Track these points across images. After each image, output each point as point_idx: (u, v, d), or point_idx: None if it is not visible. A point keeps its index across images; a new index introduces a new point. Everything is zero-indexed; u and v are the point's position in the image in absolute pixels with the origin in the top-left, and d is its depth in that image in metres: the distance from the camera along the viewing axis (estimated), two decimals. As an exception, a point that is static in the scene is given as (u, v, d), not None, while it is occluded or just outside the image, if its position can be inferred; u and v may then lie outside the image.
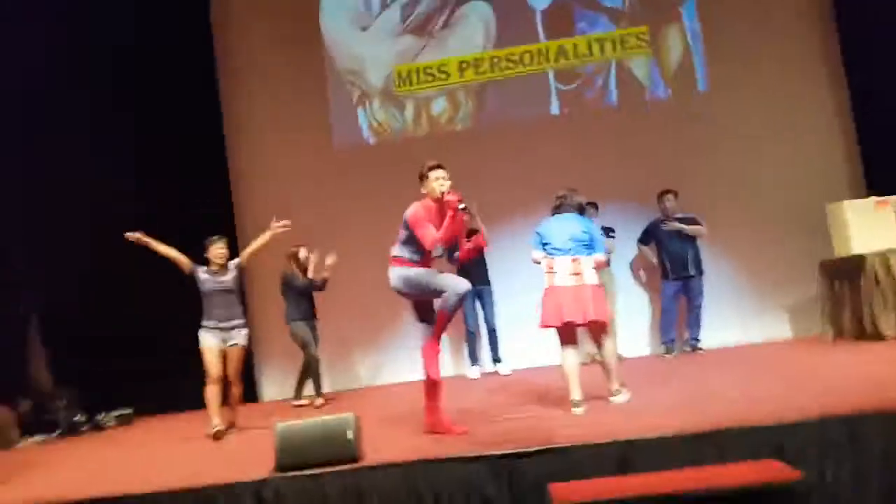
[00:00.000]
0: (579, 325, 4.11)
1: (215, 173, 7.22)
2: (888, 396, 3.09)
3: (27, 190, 6.91)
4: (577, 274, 4.07)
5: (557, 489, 2.39)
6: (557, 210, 4.32)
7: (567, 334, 4.17)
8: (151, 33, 7.03)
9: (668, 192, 6.48)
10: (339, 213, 7.06)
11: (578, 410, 4.01)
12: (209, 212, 6.76)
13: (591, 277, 4.10)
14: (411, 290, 3.91)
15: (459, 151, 6.57)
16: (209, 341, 4.93)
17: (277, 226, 5.10)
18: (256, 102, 7.43)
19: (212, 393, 4.93)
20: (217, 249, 5.05)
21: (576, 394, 4.05)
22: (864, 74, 6.66)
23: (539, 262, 4.23)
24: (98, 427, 6.54)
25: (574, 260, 4.09)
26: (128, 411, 6.71)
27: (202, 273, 5.00)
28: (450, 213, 3.77)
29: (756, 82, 6.92)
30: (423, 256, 3.88)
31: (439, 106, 7.38)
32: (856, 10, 6.70)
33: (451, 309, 3.80)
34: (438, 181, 3.88)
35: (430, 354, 3.91)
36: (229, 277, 5.04)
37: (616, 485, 2.35)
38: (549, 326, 4.13)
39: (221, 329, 4.96)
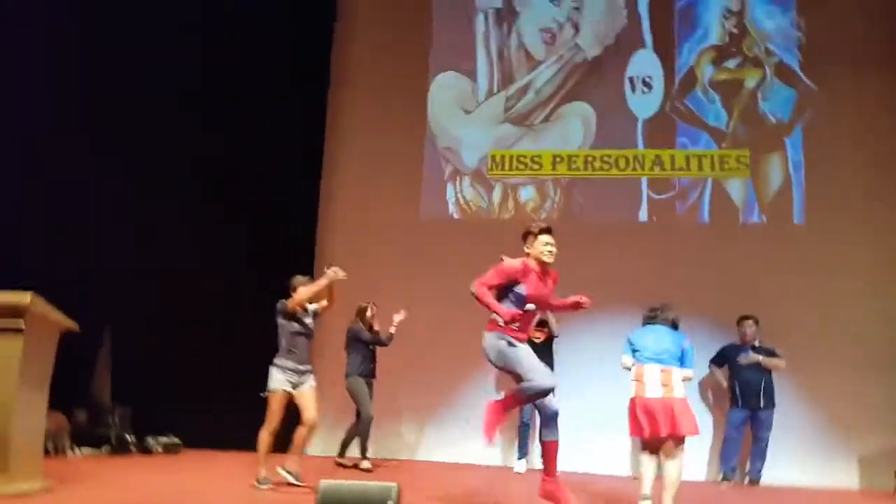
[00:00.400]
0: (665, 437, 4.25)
1: (304, 219, 7.73)
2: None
3: (121, 220, 7.54)
4: (665, 385, 4.23)
5: None
6: (651, 320, 4.53)
7: (652, 444, 4.34)
8: (273, 85, 7.75)
9: (748, 317, 6.48)
10: (413, 278, 7.36)
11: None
12: (290, 256, 7.19)
13: (679, 390, 4.27)
14: (496, 362, 4.00)
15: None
16: (282, 383, 4.99)
17: (333, 271, 5.06)
18: (355, 162, 7.97)
19: (267, 442, 5.01)
20: None
21: (647, 489, 4.23)
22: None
23: (629, 369, 4.43)
24: (146, 450, 6.86)
25: (664, 371, 4.26)
26: (176, 441, 7.02)
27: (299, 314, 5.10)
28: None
29: (852, 223, 6.94)
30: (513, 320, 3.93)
31: (527, 194, 7.71)
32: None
33: (525, 394, 3.93)
34: (547, 246, 4.01)
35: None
36: (312, 321, 5.22)
37: None
38: (640, 436, 4.32)
39: (297, 372, 5.05)
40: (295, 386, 5.05)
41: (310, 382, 5.11)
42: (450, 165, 7.89)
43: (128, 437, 6.93)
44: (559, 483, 4.00)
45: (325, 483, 3.74)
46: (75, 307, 4.64)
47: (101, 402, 7.40)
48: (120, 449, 6.82)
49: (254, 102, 7.70)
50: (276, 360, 5.06)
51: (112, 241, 7.44)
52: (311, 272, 7.26)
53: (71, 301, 4.62)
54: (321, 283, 5.06)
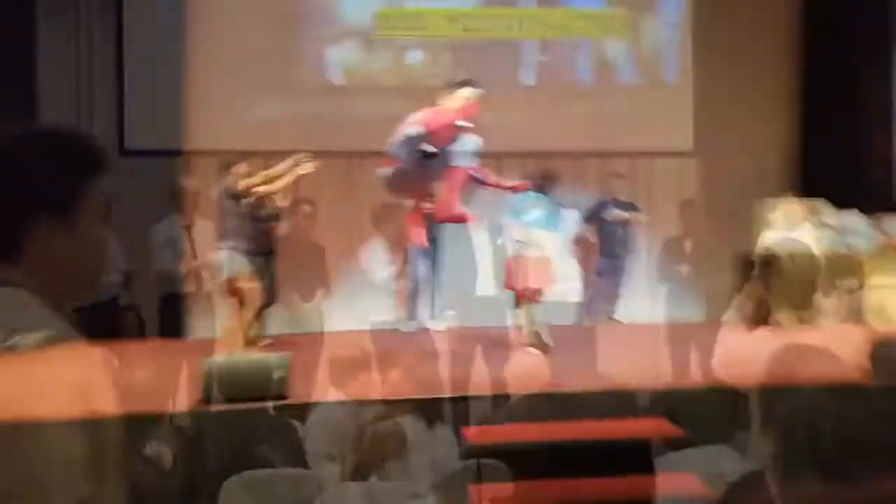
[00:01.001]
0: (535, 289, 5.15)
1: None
2: (767, 372, 3.73)
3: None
4: (539, 244, 5.14)
5: (470, 432, 2.81)
6: (531, 188, 5.45)
7: (526, 297, 5.25)
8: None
9: (615, 174, 7.35)
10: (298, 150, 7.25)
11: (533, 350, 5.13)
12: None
13: (552, 249, 5.24)
14: None
15: (429, 104, 6.84)
16: (244, 265, 5.05)
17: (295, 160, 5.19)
18: (225, 31, 7.34)
19: (243, 335, 5.11)
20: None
21: (529, 336, 5.16)
22: (820, 87, 7.40)
23: (509, 230, 5.32)
24: (11, 348, 6.71)
25: (540, 233, 5.18)
26: (51, 333, 6.86)
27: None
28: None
29: (719, 75, 7.55)
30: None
31: (416, 57, 7.61)
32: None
33: None
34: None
35: None
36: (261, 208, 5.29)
37: (523, 430, 2.79)
38: (515, 289, 5.25)
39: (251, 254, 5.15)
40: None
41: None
42: (331, 26, 7.54)
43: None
44: None
45: (211, 359, 3.89)
46: None
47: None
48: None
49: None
50: (228, 243, 5.01)
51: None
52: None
53: None
54: (280, 168, 5.10)
